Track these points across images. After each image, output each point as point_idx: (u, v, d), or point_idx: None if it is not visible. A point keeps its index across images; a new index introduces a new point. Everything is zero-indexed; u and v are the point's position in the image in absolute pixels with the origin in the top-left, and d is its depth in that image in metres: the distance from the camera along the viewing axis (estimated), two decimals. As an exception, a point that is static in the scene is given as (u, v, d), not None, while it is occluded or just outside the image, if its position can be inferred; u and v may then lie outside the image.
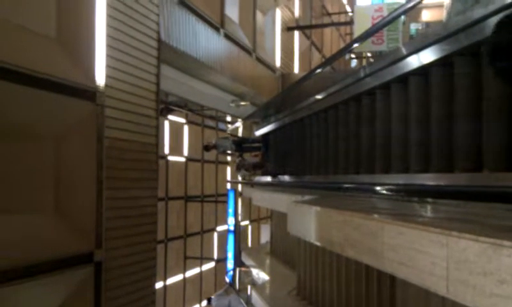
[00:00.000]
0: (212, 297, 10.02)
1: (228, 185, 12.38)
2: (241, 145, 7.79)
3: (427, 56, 2.76)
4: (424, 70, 2.87)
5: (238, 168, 7.87)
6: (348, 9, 17.87)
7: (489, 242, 1.54)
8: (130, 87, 5.19)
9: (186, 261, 10.90)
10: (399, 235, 2.07)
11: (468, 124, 2.43)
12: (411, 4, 3.45)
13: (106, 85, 4.80)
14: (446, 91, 2.68)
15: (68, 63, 4.40)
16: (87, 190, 4.61)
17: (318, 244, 3.13)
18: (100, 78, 4.75)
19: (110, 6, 4.83)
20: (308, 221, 3.12)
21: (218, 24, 7.95)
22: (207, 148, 8.08)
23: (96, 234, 4.64)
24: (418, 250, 1.89)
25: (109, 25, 4.82)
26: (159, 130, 5.64)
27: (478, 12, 2.23)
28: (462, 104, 2.51)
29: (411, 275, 1.99)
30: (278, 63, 11.25)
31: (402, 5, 3.57)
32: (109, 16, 4.82)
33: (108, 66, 4.82)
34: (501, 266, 1.48)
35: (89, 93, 4.62)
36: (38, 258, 4.02)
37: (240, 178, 9.75)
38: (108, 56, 4.82)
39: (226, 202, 11.79)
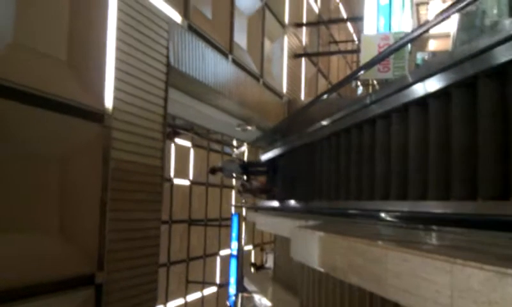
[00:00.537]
0: None
1: (232, 209, 12.32)
2: (247, 168, 7.71)
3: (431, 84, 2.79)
4: (423, 99, 2.90)
5: (240, 192, 7.83)
6: (355, 37, 18.09)
7: (494, 270, 1.53)
8: (137, 110, 5.24)
9: (188, 286, 10.78)
10: (403, 262, 2.06)
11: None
12: (417, 33, 3.52)
13: (114, 107, 4.85)
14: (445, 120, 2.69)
15: (77, 85, 4.48)
16: (91, 211, 4.61)
17: (321, 269, 3.10)
18: (108, 101, 4.80)
19: (120, 30, 4.92)
20: (312, 246, 3.10)
21: (227, 50, 8.07)
22: (213, 170, 8.01)
23: (98, 256, 4.61)
24: (423, 277, 1.87)
25: (118, 49, 4.90)
26: (164, 153, 5.66)
27: (483, 42, 2.27)
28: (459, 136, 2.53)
29: (415, 303, 1.96)
30: (284, 89, 11.35)
31: (408, 34, 3.64)
32: (118, 40, 4.90)
33: (116, 89, 4.88)
34: (506, 295, 1.46)
35: (97, 115, 4.67)
36: (39, 278, 4.00)
37: (242, 202, 9.76)
38: (117, 79, 4.88)
39: (229, 226, 11.71)
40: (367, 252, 2.45)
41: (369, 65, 3.96)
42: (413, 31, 3.64)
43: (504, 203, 2.16)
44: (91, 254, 4.56)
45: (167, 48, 5.75)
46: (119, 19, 4.89)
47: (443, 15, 2.71)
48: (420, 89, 2.98)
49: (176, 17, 6.37)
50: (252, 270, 11.92)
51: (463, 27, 4.60)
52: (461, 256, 1.79)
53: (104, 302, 4.65)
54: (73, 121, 4.41)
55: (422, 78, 2.93)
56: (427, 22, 3.27)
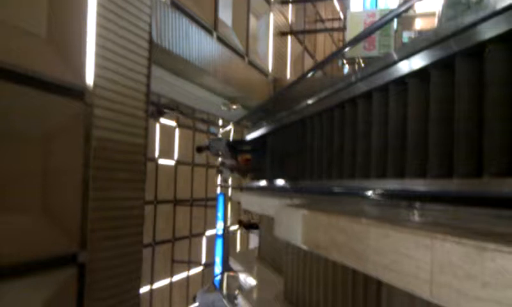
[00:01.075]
0: (197, 294, 9.92)
1: (218, 189, 12.32)
2: (236, 147, 7.54)
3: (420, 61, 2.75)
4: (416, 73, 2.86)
5: (220, 171, 7.68)
6: (341, 15, 17.98)
7: (473, 244, 1.53)
8: (119, 88, 5.13)
9: (174, 265, 10.81)
10: (383, 238, 2.05)
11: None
12: (402, 8, 3.47)
13: (95, 84, 4.74)
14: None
15: (57, 62, 4.35)
16: (73, 190, 4.53)
17: (304, 247, 3.10)
18: (90, 78, 4.69)
19: (101, 6, 4.79)
20: (295, 224, 3.09)
21: (211, 27, 7.94)
22: (199, 149, 7.84)
23: (81, 235, 4.56)
24: (403, 253, 1.87)
25: (99, 25, 4.76)
26: (148, 131, 5.58)
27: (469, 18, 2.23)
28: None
29: (395, 279, 1.96)
30: (270, 68, 11.26)
31: (393, 10, 3.59)
32: (99, 15, 4.76)
33: (98, 66, 4.76)
34: (485, 269, 1.46)
35: (78, 92, 4.56)
36: (21, 258, 3.94)
37: (221, 181, 9.70)
38: (98, 56, 4.76)
39: (215, 206, 11.73)
40: (348, 228, 2.44)
41: (354, 42, 3.91)
42: (399, 7, 3.59)
43: (477, 180, 2.16)
44: (73, 233, 4.49)
45: (149, 24, 5.61)
46: (100, -5, 4.76)
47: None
48: (402, 67, 2.95)
49: (160, -8, 6.22)
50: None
51: (449, 2, 4.56)
52: (440, 231, 1.79)
53: (87, 282, 4.61)
54: (54, 99, 4.30)
55: (403, 57, 2.90)
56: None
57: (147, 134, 5.57)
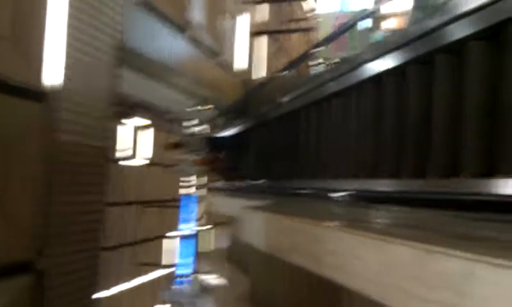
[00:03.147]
0: (165, 292, 9.77)
1: (188, 190, 12.20)
2: (213, 144, 7.23)
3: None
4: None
5: (182, 170, 7.38)
6: (316, 15, 18.08)
7: (421, 247, 1.54)
8: (85, 89, 5.02)
9: (140, 268, 10.65)
10: (337, 241, 2.06)
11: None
12: (369, 11, 3.51)
13: (59, 87, 4.63)
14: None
15: (20, 63, 4.24)
16: (33, 195, 4.40)
17: (266, 250, 3.09)
18: (53, 80, 4.59)
19: (69, 6, 4.69)
20: (257, 227, 3.08)
21: (182, 26, 7.85)
22: (174, 146, 7.53)
23: (40, 241, 4.44)
24: (354, 255, 1.87)
25: (69, 27, 4.68)
26: (114, 133, 5.50)
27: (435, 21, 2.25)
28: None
29: (347, 280, 1.97)
30: (243, 67, 11.24)
31: (360, 12, 3.63)
32: (69, 15, 4.68)
33: (63, 68, 4.66)
34: (431, 271, 1.47)
35: (41, 95, 4.46)
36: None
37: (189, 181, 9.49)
38: (63, 57, 4.67)
39: (185, 207, 11.61)
40: (307, 231, 2.45)
41: (322, 43, 3.94)
42: (365, 10, 3.63)
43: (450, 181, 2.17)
44: (32, 239, 4.38)
45: (119, 24, 5.52)
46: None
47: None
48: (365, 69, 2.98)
49: (130, -8, 6.13)
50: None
51: (418, 4, 4.63)
52: (392, 233, 1.80)
53: (44, 288, 4.49)
54: (16, 101, 4.20)
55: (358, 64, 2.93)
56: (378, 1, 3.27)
57: (113, 136, 5.48)
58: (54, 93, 4.58)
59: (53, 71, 4.59)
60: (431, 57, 2.27)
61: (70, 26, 4.71)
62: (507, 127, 1.82)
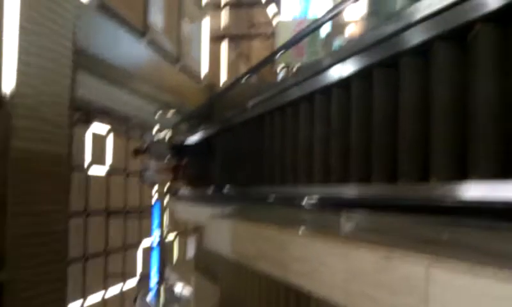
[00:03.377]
0: (137, 300, 9.58)
1: (154, 198, 12.01)
2: (181, 149, 6.82)
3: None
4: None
5: (143, 179, 7.11)
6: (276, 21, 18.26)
7: (383, 253, 1.56)
8: (41, 95, 4.85)
9: (107, 279, 10.37)
10: (303, 248, 2.06)
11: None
12: (326, 18, 3.54)
13: (14, 93, 4.46)
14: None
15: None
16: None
17: (232, 257, 3.07)
18: (8, 86, 4.43)
19: (23, 10, 4.52)
20: (224, 234, 3.06)
21: (141, 30, 7.74)
22: (137, 152, 7.20)
23: (-1, 254, 4.26)
24: (321, 262, 1.88)
25: (19, 30, 4.50)
26: (72, 140, 5.33)
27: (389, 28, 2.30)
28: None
29: (313, 287, 1.97)
30: (204, 73, 11.18)
31: (317, 19, 3.66)
32: (21, 20, 4.51)
33: (17, 73, 4.49)
34: (393, 276, 1.49)
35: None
36: None
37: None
38: (18, 63, 4.50)
39: (151, 215, 11.42)
40: (273, 238, 2.44)
41: (280, 50, 3.96)
42: (322, 16, 3.66)
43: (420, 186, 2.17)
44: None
45: (74, 28, 5.36)
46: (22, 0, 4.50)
47: (346, 3, 2.74)
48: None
49: (85, -4, 5.98)
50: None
51: (372, 11, 4.74)
52: (360, 240, 1.81)
53: (6, 303, 4.31)
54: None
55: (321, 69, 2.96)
56: (335, 7, 3.31)
57: (72, 143, 5.31)
58: (8, 98, 4.42)
59: (6, 77, 4.43)
60: (395, 60, 2.30)
61: (23, 31, 4.55)
62: (473, 130, 1.84)
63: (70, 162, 5.38)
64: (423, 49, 2.10)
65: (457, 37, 1.93)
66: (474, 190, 1.68)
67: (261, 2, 17.23)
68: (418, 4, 2.05)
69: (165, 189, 9.75)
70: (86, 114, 8.79)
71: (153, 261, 10.80)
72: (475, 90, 1.82)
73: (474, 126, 1.81)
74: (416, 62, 2.20)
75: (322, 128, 3.09)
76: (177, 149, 6.85)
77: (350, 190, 2.67)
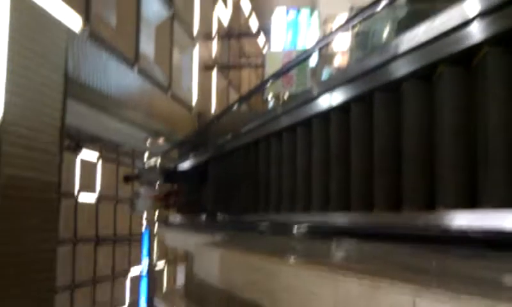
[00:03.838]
0: None
1: (144, 225, 11.90)
2: (172, 175, 6.67)
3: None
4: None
5: (132, 207, 6.96)
6: (265, 51, 18.57)
7: (369, 283, 1.58)
8: (31, 123, 4.87)
9: (96, 308, 10.16)
10: (292, 277, 2.07)
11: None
12: (313, 50, 3.65)
13: (5, 120, 4.47)
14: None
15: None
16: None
17: (221, 286, 3.05)
18: (-2, 114, 4.44)
19: (13, 39, 4.56)
20: (212, 263, 3.05)
21: (132, 60, 7.82)
22: (127, 179, 7.01)
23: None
24: (309, 291, 1.89)
25: (9, 59, 4.52)
26: (61, 168, 5.31)
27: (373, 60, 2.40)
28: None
29: (303, 317, 1.97)
30: (194, 101, 11.27)
31: (305, 51, 3.77)
32: (11, 49, 4.53)
33: (8, 101, 4.50)
34: (381, 305, 1.51)
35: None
36: None
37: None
38: (8, 91, 4.51)
39: (140, 243, 11.29)
40: (261, 268, 2.44)
41: (269, 80, 4.05)
42: (310, 49, 3.76)
43: (395, 214, 2.24)
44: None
45: (65, 57, 5.42)
46: (11, 27, 4.52)
47: (331, 36, 2.85)
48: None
49: (77, 25, 6.06)
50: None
51: (358, 45, 4.89)
52: (341, 269, 1.83)
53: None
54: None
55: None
56: (321, 40, 3.42)
57: (61, 171, 5.29)
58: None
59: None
60: (370, 95, 2.40)
61: (13, 58, 4.57)
62: (440, 164, 1.96)
63: (59, 189, 5.34)
64: (395, 86, 2.23)
65: (424, 76, 2.08)
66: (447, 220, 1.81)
67: (251, 33, 17.57)
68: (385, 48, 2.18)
69: (155, 216, 9.69)
70: (76, 141, 8.78)
71: (142, 289, 10.61)
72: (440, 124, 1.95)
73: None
74: (388, 97, 2.31)
75: (303, 159, 3.19)
76: (168, 175, 6.79)
77: (339, 218, 2.73)
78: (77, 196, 9.59)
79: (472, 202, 1.85)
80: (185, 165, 6.67)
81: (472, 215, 1.77)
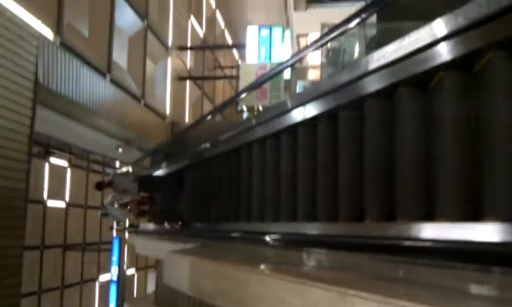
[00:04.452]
0: None
1: (114, 232, 11.72)
2: (147, 182, 6.39)
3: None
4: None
5: (105, 213, 6.80)
6: (240, 63, 18.70)
7: (337, 291, 1.65)
8: (-1, 130, 4.81)
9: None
10: (261, 285, 2.13)
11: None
12: (288, 63, 3.76)
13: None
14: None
15: None
16: None
17: (191, 293, 3.07)
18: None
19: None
20: (182, 271, 3.07)
21: (104, 69, 7.79)
22: (99, 185, 6.80)
23: None
24: (279, 299, 1.95)
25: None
26: (29, 175, 5.23)
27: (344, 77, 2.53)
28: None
29: (273, 326, 2.02)
30: (168, 111, 11.27)
31: (280, 64, 3.87)
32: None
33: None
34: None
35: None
36: None
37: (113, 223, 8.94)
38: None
39: (110, 250, 11.11)
40: (231, 275, 2.48)
41: (242, 92, 4.13)
42: (285, 61, 3.86)
43: (358, 225, 2.39)
44: None
45: (36, 65, 5.38)
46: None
47: (304, 52, 2.96)
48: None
49: (48, 33, 6.06)
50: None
51: (329, 61, 5.03)
52: (310, 277, 1.89)
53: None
54: None
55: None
56: (294, 55, 3.54)
57: (29, 178, 5.21)
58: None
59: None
60: (336, 111, 2.54)
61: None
62: (403, 178, 2.09)
63: (27, 196, 5.26)
64: (358, 105, 2.38)
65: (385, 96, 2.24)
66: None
67: (226, 45, 17.69)
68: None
69: (126, 224, 9.55)
70: (46, 148, 8.64)
71: (111, 296, 10.42)
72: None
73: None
74: (353, 115, 2.46)
75: (272, 171, 3.30)
76: (142, 183, 6.63)
77: (311, 228, 2.85)
78: (45, 203, 9.41)
79: (430, 214, 1.98)
80: (160, 172, 6.63)
81: (427, 228, 1.91)
